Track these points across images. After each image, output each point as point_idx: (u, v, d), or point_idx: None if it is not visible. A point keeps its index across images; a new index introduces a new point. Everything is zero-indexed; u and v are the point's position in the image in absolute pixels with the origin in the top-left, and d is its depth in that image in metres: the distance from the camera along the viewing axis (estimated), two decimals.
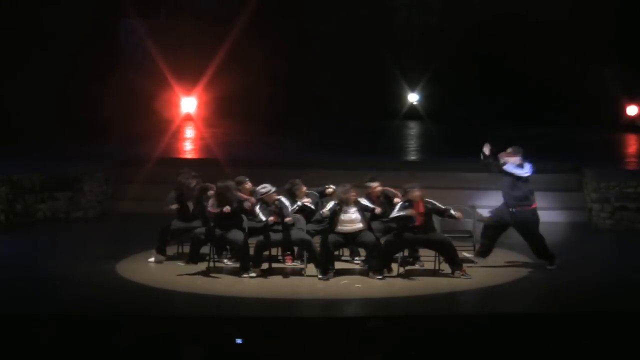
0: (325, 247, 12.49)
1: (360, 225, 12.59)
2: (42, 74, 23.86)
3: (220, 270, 13.05)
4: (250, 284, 12.34)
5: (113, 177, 17.90)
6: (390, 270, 12.65)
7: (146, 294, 11.91)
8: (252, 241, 12.94)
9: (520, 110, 26.39)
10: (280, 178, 16.69)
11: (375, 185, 13.15)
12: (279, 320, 10.60)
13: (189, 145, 22.92)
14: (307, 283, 12.41)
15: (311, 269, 12.68)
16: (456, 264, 12.54)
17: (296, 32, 27.90)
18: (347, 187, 12.74)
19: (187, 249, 13.22)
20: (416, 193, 12.54)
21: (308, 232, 12.95)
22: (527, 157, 13.22)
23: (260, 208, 12.78)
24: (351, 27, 28.44)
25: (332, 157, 19.57)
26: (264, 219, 12.71)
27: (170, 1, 28.37)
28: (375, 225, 12.87)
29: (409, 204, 12.56)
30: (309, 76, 27.38)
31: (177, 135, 24.19)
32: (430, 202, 12.67)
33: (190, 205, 13.36)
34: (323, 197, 13.45)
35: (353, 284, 12.34)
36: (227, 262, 13.34)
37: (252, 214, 12.80)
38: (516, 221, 13.01)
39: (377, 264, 12.45)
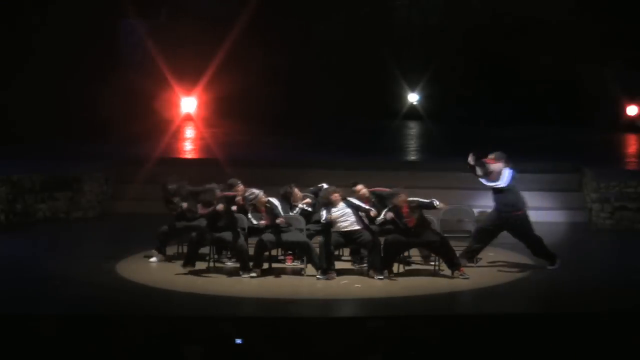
0: (326, 247, 12.48)
1: (357, 226, 12.58)
2: (42, 74, 23.85)
3: (220, 270, 13.05)
4: (250, 284, 12.34)
5: (113, 177, 17.89)
6: (391, 271, 12.65)
7: (146, 294, 11.90)
8: (253, 241, 12.96)
9: (520, 110, 26.40)
10: (280, 178, 16.72)
11: (359, 189, 13.12)
12: (279, 320, 10.60)
13: (189, 145, 22.92)
14: (307, 283, 12.41)
15: (311, 269, 12.68)
16: (454, 264, 12.54)
17: (296, 32, 27.90)
18: (329, 189, 12.82)
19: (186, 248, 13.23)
20: (400, 198, 12.56)
21: (308, 231, 12.95)
22: (512, 161, 13.18)
23: (252, 213, 12.81)
24: (351, 27, 28.45)
25: (332, 157, 19.56)
26: (254, 222, 12.73)
27: (170, 1, 28.37)
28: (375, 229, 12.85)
29: (393, 208, 12.58)
30: (309, 76, 27.39)
31: (177, 135, 24.19)
32: (415, 200, 12.65)
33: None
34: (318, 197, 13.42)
35: (353, 284, 12.34)
36: (227, 262, 13.34)
37: (245, 211, 12.84)
38: (509, 225, 13.01)
39: (378, 263, 12.43)
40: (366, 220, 12.72)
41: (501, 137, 23.27)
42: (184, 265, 12.74)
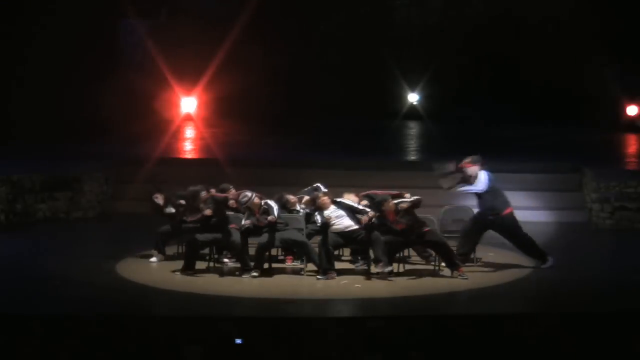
0: (325, 248, 12.48)
1: (355, 225, 12.58)
2: (43, 74, 23.87)
3: (220, 270, 13.05)
4: (250, 284, 12.34)
5: (113, 177, 17.90)
6: (391, 271, 12.65)
7: (146, 294, 11.90)
8: (252, 242, 12.97)
9: (520, 110, 26.42)
10: (280, 178, 16.79)
11: (348, 197, 13.11)
12: (279, 320, 10.60)
13: (189, 145, 22.93)
14: (307, 283, 12.41)
15: (311, 268, 12.68)
16: (453, 264, 12.53)
17: (296, 32, 27.92)
18: (314, 195, 12.86)
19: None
20: (387, 206, 12.56)
21: (307, 229, 12.95)
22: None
23: (246, 216, 12.84)
24: (351, 26, 28.47)
25: (332, 157, 19.56)
26: (242, 222, 12.76)
27: (170, 1, 28.38)
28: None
29: (379, 217, 12.59)
30: (309, 76, 27.41)
31: (177, 135, 24.20)
32: (405, 201, 12.65)
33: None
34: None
35: (353, 284, 12.34)
36: (227, 262, 13.34)
37: (238, 210, 12.87)
38: (496, 227, 13.00)
39: (383, 256, 12.38)
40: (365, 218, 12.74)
41: (501, 137, 23.32)
42: (183, 272, 12.74)
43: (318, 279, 12.45)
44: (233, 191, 13.31)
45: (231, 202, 12.92)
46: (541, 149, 21.30)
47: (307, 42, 28.22)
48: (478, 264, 13.25)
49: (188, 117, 26.68)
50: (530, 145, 21.85)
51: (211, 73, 25.91)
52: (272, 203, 12.89)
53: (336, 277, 12.50)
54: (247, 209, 12.88)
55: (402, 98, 28.98)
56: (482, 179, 12.93)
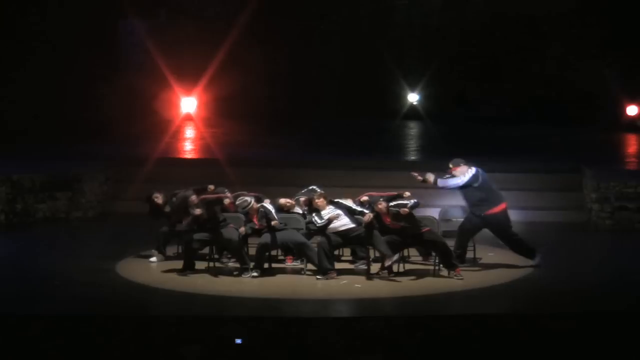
0: (324, 248, 12.48)
1: (352, 224, 12.59)
2: (42, 74, 23.87)
3: (220, 270, 13.05)
4: (250, 284, 12.34)
5: (113, 177, 17.89)
6: (391, 271, 12.65)
7: (146, 294, 11.90)
8: (252, 242, 12.98)
9: (520, 110, 26.42)
10: (280, 178, 16.79)
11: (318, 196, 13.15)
12: (279, 320, 10.60)
13: (189, 145, 22.93)
14: (307, 283, 12.41)
15: (311, 268, 12.68)
16: (450, 264, 12.52)
17: (296, 32, 27.91)
18: (312, 196, 12.87)
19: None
20: (378, 207, 12.58)
21: (307, 230, 12.96)
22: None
23: (245, 221, 12.87)
24: (351, 27, 28.47)
25: (332, 157, 19.56)
26: (240, 229, 12.79)
27: (170, 1, 28.39)
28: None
29: (376, 217, 12.60)
30: (309, 76, 27.40)
31: (177, 135, 24.20)
32: (398, 204, 12.66)
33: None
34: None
35: (353, 284, 12.34)
36: (228, 263, 13.34)
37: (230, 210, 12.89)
38: (487, 224, 13.00)
39: (386, 249, 12.37)
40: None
41: (501, 137, 23.33)
42: (183, 272, 12.74)
43: (318, 279, 12.45)
44: (228, 194, 13.32)
45: (227, 202, 12.93)
46: (541, 149, 21.30)
47: (307, 42, 28.22)
48: (478, 264, 13.25)
49: (188, 117, 26.68)
50: (530, 145, 21.85)
51: (211, 73, 25.91)
52: (270, 207, 12.90)
53: (336, 277, 12.50)
54: (246, 213, 12.92)
55: (402, 98, 28.97)
56: (467, 174, 12.94)
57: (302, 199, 13.38)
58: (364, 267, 12.95)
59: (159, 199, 13.62)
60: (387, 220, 12.55)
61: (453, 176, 13.05)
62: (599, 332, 10.33)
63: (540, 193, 17.24)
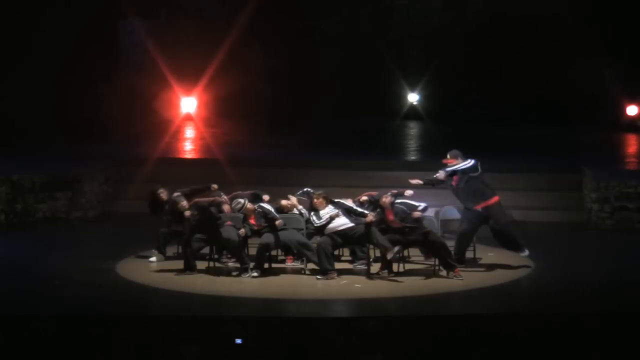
0: (324, 248, 12.47)
1: (351, 223, 12.60)
2: (42, 74, 23.86)
3: (220, 270, 13.05)
4: (250, 284, 12.34)
5: (113, 177, 17.89)
6: (391, 271, 12.66)
7: (146, 294, 11.91)
8: (253, 242, 12.99)
9: (520, 110, 26.41)
10: (280, 178, 16.78)
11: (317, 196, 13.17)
12: (279, 320, 10.60)
13: (189, 145, 22.92)
14: (307, 283, 12.41)
15: (311, 268, 12.69)
16: (449, 265, 12.52)
17: (296, 32, 27.90)
18: (311, 195, 12.89)
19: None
20: (383, 200, 12.59)
21: (307, 230, 12.97)
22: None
23: (243, 222, 12.90)
24: (351, 26, 28.46)
25: (332, 157, 19.56)
26: (240, 231, 12.81)
27: (170, 1, 28.38)
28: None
29: (380, 210, 12.62)
30: (309, 76, 27.39)
31: (177, 135, 24.20)
32: (405, 202, 12.69)
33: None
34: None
35: (353, 284, 12.34)
36: (228, 263, 13.35)
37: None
38: (483, 217, 13.00)
39: (385, 242, 12.38)
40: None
41: (501, 137, 23.32)
42: (183, 272, 12.75)
43: (318, 279, 12.45)
44: (225, 197, 13.33)
45: (226, 209, 12.96)
46: (541, 149, 21.30)
47: (307, 42, 28.21)
48: (478, 264, 13.26)
49: (188, 117, 26.67)
50: (530, 145, 21.85)
51: (211, 73, 25.90)
52: (268, 207, 12.91)
53: (336, 277, 12.50)
54: (242, 214, 12.94)
55: (402, 98, 28.96)
56: (468, 160, 13.01)
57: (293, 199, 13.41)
58: (363, 267, 12.95)
59: (163, 194, 13.62)
60: (390, 216, 12.55)
61: (450, 166, 13.09)
62: (599, 332, 10.33)
63: (541, 193, 17.24)
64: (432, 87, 28.20)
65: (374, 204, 13.08)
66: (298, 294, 11.89)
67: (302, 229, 12.96)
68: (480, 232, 13.35)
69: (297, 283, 12.44)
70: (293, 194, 13.63)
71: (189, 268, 12.75)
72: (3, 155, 18.78)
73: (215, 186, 13.59)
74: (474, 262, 13.28)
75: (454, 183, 13.14)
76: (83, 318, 10.53)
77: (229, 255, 13.34)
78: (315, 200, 12.75)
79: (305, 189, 13.52)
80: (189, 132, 25.08)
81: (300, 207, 13.24)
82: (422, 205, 12.72)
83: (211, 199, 13.11)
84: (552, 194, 17.23)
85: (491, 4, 27.41)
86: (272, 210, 12.86)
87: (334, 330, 10.34)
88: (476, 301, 11.77)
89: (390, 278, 12.51)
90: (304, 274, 12.76)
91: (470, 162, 13.04)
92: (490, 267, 13.18)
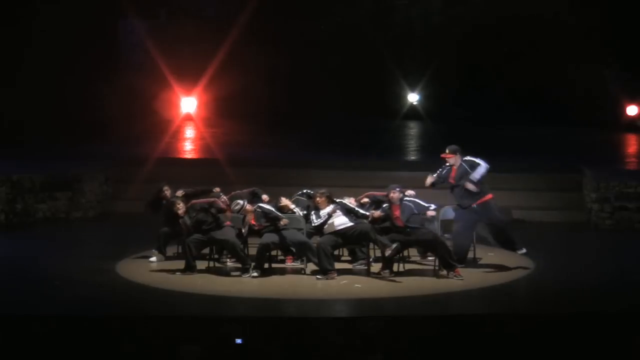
0: (324, 247, 12.48)
1: (350, 222, 12.61)
2: (42, 74, 23.86)
3: (220, 270, 13.05)
4: (250, 284, 12.35)
5: (113, 177, 17.89)
6: (392, 271, 12.66)
7: (146, 294, 11.91)
8: (253, 242, 12.99)
9: (520, 110, 26.40)
10: (280, 178, 16.79)
11: (348, 201, 13.18)
12: (279, 320, 10.60)
13: (189, 145, 22.93)
14: (307, 283, 12.41)
15: (311, 268, 12.69)
16: (449, 265, 12.52)
17: (296, 32, 27.90)
18: (314, 194, 12.90)
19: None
20: (391, 195, 12.61)
21: (307, 229, 12.98)
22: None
23: (242, 221, 12.92)
24: (351, 26, 28.45)
25: (332, 157, 19.56)
26: (242, 230, 12.85)
27: (170, 1, 28.38)
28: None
29: (387, 206, 12.64)
30: (309, 76, 27.39)
31: (177, 135, 24.20)
32: (413, 200, 12.70)
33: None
34: (310, 199, 13.45)
35: (353, 284, 12.34)
36: (228, 262, 13.35)
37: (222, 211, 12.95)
38: (479, 214, 13.01)
39: (383, 239, 12.40)
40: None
41: (501, 137, 23.31)
42: (183, 272, 12.75)
43: (318, 279, 12.45)
44: (224, 197, 13.34)
45: (228, 214, 12.98)
46: (541, 149, 21.30)
47: (307, 42, 28.20)
48: (477, 264, 13.26)
49: (188, 117, 26.67)
50: (530, 145, 21.85)
51: (211, 73, 25.89)
52: (267, 206, 12.92)
53: (336, 277, 12.50)
54: (242, 215, 12.97)
55: (402, 98, 28.97)
56: (482, 162, 13.03)
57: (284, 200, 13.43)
58: (363, 267, 12.96)
59: (168, 191, 13.64)
60: (397, 212, 12.55)
61: (449, 164, 13.09)
62: (599, 332, 10.33)
63: (540, 193, 17.24)
64: (432, 87, 28.20)
65: (376, 203, 13.09)
66: (298, 294, 11.89)
67: (302, 229, 12.96)
68: (480, 232, 13.36)
69: (297, 283, 12.44)
70: (293, 194, 13.65)
71: (189, 268, 12.76)
72: (3, 155, 18.77)
73: (217, 189, 13.60)
74: (474, 262, 13.28)
75: (452, 180, 13.15)
76: (83, 318, 10.53)
77: (229, 255, 13.34)
78: (318, 199, 12.75)
79: (305, 190, 13.55)
80: (189, 132, 25.08)
81: (292, 206, 13.24)
82: (433, 206, 12.75)
83: (210, 199, 13.12)
84: (552, 194, 17.23)
85: (491, 4, 27.39)
86: (273, 209, 12.87)
87: (334, 330, 10.35)
88: (476, 301, 11.77)
89: (391, 278, 12.51)
90: (304, 274, 12.76)
91: (485, 164, 13.04)
92: (490, 267, 13.18)
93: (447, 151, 13.21)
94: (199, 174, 16.54)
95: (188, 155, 21.09)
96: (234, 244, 12.71)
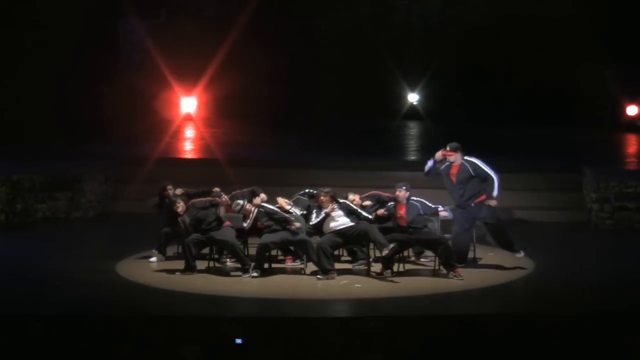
0: (323, 248, 12.48)
1: (350, 222, 12.62)
2: (42, 74, 23.87)
3: (220, 270, 13.05)
4: (250, 284, 12.35)
5: (113, 177, 17.89)
6: (392, 272, 12.67)
7: (146, 294, 11.91)
8: (253, 242, 12.99)
9: (520, 110, 26.40)
10: (280, 178, 16.79)
11: (353, 199, 13.18)
12: (279, 320, 10.60)
13: (189, 145, 22.93)
14: (307, 283, 12.41)
15: (311, 268, 12.69)
16: (449, 265, 12.52)
17: (296, 32, 27.91)
18: (318, 193, 12.90)
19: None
20: (397, 193, 12.62)
21: (307, 229, 12.99)
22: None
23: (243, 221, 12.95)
24: (351, 26, 28.46)
25: (332, 157, 19.56)
26: (245, 225, 12.87)
27: (170, 1, 28.39)
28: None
29: (393, 204, 12.66)
30: (309, 76, 27.39)
31: (177, 135, 24.20)
32: (420, 200, 12.72)
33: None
34: (311, 198, 13.46)
35: (353, 284, 12.34)
36: (228, 262, 13.35)
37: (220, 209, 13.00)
38: (478, 215, 13.01)
39: (381, 239, 12.40)
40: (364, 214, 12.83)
41: (501, 137, 23.31)
42: (184, 272, 12.75)
43: (318, 278, 12.45)
44: (225, 197, 13.34)
45: (223, 210, 13.00)
46: (541, 149, 21.30)
47: (307, 42, 28.22)
48: (477, 264, 13.27)
49: (188, 117, 26.67)
50: (530, 145, 21.85)
51: (211, 73, 25.90)
52: (270, 206, 12.92)
53: (336, 277, 12.50)
54: (243, 215, 12.98)
55: (402, 98, 28.97)
56: (484, 166, 13.05)
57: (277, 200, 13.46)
58: (363, 267, 12.96)
59: (171, 190, 13.65)
60: (402, 210, 12.55)
61: (449, 161, 13.09)
62: (599, 332, 10.33)
63: (540, 193, 17.23)
64: (432, 87, 28.20)
65: (380, 203, 13.09)
66: (298, 294, 11.89)
67: (303, 229, 12.95)
68: (480, 232, 13.36)
69: (297, 283, 12.44)
70: (293, 194, 13.65)
71: (189, 268, 12.76)
72: (3, 155, 18.77)
73: (217, 189, 13.60)
74: (474, 262, 13.28)
75: (452, 178, 13.16)
76: (83, 318, 10.52)
77: (229, 255, 13.34)
78: (322, 197, 12.74)
79: (307, 190, 13.56)
80: (189, 132, 25.08)
81: (288, 207, 13.24)
82: (441, 207, 12.77)
83: (210, 199, 13.12)
84: (552, 194, 17.23)
85: (491, 4, 27.40)
86: (278, 210, 12.88)
87: (334, 330, 10.35)
88: (476, 301, 11.77)
89: (391, 278, 12.51)
90: (304, 274, 12.76)
91: (497, 179, 13.07)
92: (490, 267, 13.18)
93: (448, 148, 13.21)
94: (199, 174, 16.53)
95: (188, 155, 21.09)
96: (234, 244, 12.72)
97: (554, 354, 10.16)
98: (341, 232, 12.64)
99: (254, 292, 12.00)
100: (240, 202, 12.95)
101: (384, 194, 13.32)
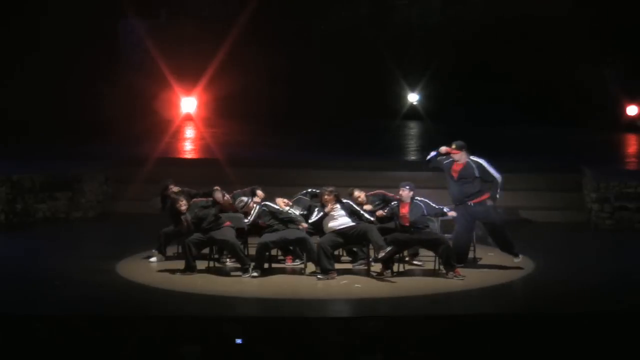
0: (323, 248, 12.47)
1: (351, 222, 12.61)
2: (42, 74, 23.87)
3: (220, 270, 13.05)
4: (250, 284, 12.35)
5: (113, 177, 17.89)
6: (392, 272, 12.66)
7: (146, 294, 11.91)
8: (253, 242, 12.99)
9: (520, 110, 26.40)
10: (280, 178, 16.79)
11: (358, 195, 13.19)
12: (279, 320, 10.60)
13: (189, 145, 22.93)
14: (307, 283, 12.41)
15: (311, 268, 12.69)
16: (449, 265, 12.51)
17: (296, 32, 27.91)
18: (321, 191, 12.88)
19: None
20: (401, 192, 12.62)
21: (307, 228, 12.99)
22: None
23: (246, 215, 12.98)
24: (351, 26, 28.45)
25: (332, 157, 19.56)
26: (245, 221, 12.90)
27: (170, 1, 28.38)
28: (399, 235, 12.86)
29: (396, 203, 12.66)
30: (309, 76, 27.39)
31: (177, 135, 24.20)
32: (424, 201, 12.72)
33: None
34: (313, 198, 13.46)
35: (353, 284, 12.34)
36: (228, 262, 13.35)
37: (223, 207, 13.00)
38: (477, 214, 13.01)
39: (380, 241, 12.40)
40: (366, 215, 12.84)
41: (501, 137, 23.31)
42: (184, 272, 12.76)
43: (318, 278, 12.45)
44: (227, 197, 13.34)
45: (217, 195, 13.00)
46: (541, 149, 21.30)
47: (307, 42, 28.21)
48: (477, 264, 13.26)
49: (188, 117, 26.68)
50: (530, 145, 21.85)
51: (211, 73, 25.90)
52: (275, 205, 12.92)
53: (336, 277, 12.50)
54: (244, 212, 12.97)
55: (402, 98, 28.97)
56: (489, 168, 13.06)
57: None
58: (363, 267, 12.95)
59: (173, 189, 13.64)
60: (405, 209, 12.54)
61: (453, 156, 13.06)
62: (599, 332, 10.33)
63: (540, 193, 17.24)
64: (432, 87, 28.20)
65: (385, 202, 13.09)
66: (298, 294, 11.90)
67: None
68: (480, 232, 13.36)
69: (297, 283, 12.44)
70: (294, 194, 13.65)
71: (189, 268, 12.76)
72: (3, 155, 18.78)
73: (217, 188, 13.59)
74: (474, 262, 13.28)
75: (454, 174, 13.15)
76: (83, 318, 10.52)
77: (229, 255, 13.34)
78: (325, 196, 12.72)
79: (309, 189, 13.56)
80: (189, 132, 25.08)
81: (287, 208, 13.24)
82: (446, 208, 12.77)
83: (211, 198, 13.11)
84: (552, 194, 17.23)
85: (491, 4, 27.40)
86: (276, 206, 12.88)
87: (334, 330, 10.35)
88: (476, 301, 11.77)
89: (391, 278, 12.51)
90: (304, 274, 12.75)
91: (501, 179, 13.08)
92: (490, 267, 13.18)
93: (453, 146, 13.20)
94: (199, 174, 16.53)
95: (188, 155, 21.09)
96: (234, 244, 12.72)
97: (554, 354, 10.16)
98: (341, 232, 12.64)
99: (254, 292, 12.00)
100: (244, 199, 12.96)
101: (389, 194, 13.31)
